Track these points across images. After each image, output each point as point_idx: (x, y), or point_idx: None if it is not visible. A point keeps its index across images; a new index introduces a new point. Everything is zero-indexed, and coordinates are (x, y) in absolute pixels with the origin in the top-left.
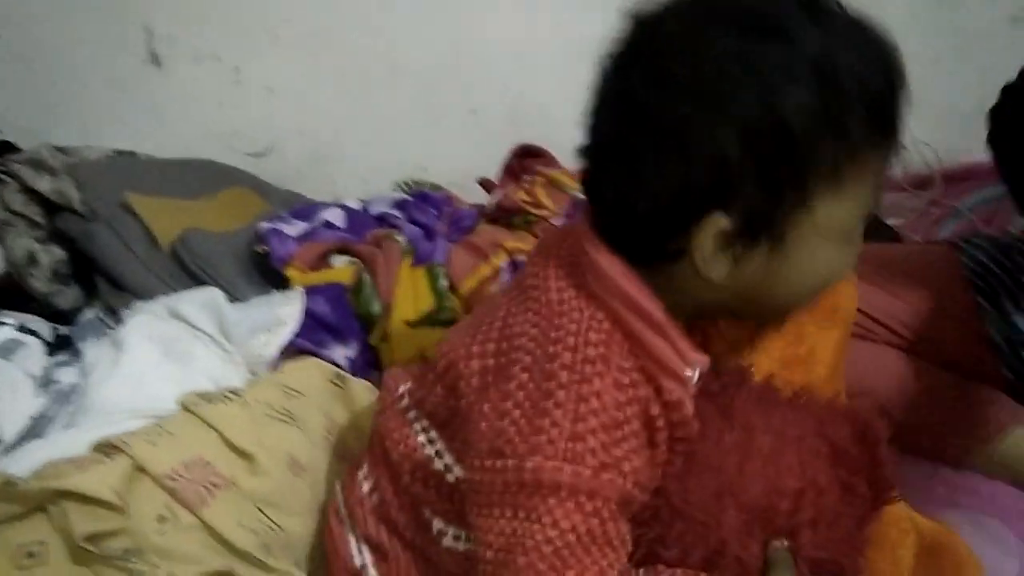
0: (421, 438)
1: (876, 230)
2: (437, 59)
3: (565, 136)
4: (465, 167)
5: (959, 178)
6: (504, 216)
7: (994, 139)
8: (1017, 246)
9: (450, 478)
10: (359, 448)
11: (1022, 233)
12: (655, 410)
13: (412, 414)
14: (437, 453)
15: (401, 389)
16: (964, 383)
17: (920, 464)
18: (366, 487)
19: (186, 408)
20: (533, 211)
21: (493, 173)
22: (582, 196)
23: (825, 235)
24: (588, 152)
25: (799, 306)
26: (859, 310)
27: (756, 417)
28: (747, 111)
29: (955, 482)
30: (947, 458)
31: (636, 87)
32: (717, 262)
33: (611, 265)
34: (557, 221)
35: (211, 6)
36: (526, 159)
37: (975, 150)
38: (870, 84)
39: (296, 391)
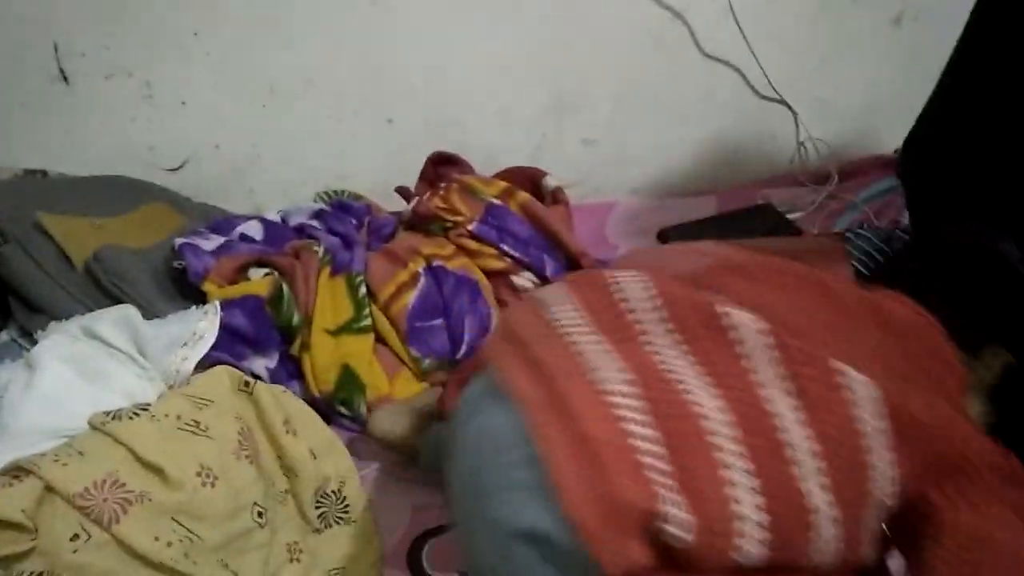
0: None
1: (775, 224)
2: (352, 70)
3: (479, 144)
4: (384, 176)
5: (854, 173)
6: (421, 223)
7: (903, 177)
8: (898, 235)
9: None
10: (270, 450)
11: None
12: None
13: None
14: None
15: None
16: None
17: None
18: None
19: (94, 427)
20: (449, 217)
21: (412, 181)
22: (497, 202)
23: None
24: None
25: None
26: None
27: None
28: None
29: None
30: None
31: None
32: None
33: None
34: (472, 227)
35: (119, 21)
36: (441, 167)
37: (867, 146)
38: None
39: (205, 400)
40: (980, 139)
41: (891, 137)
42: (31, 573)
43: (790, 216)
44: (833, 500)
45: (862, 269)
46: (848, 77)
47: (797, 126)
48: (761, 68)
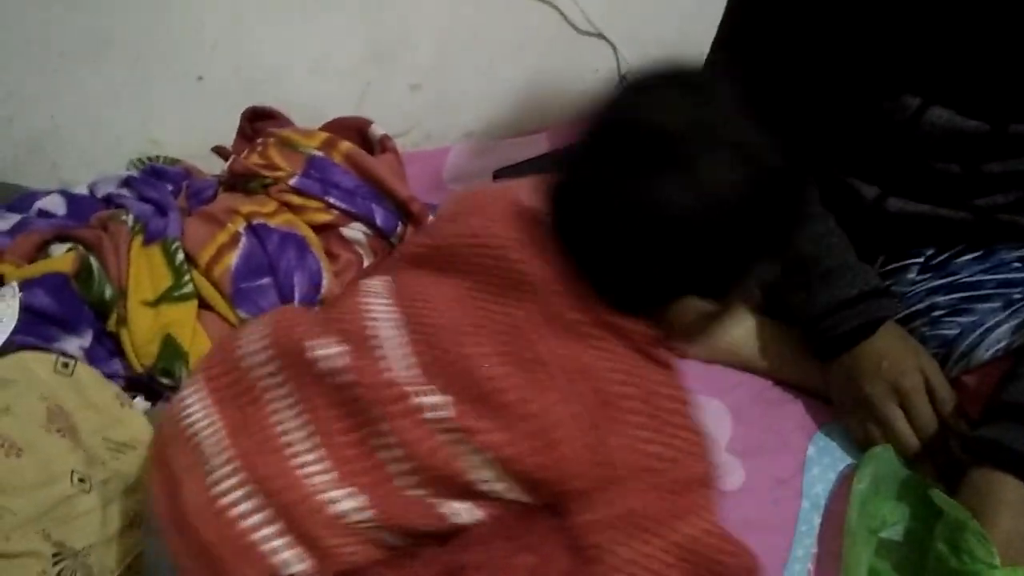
0: None
1: None
2: (151, 28)
3: (296, 96)
4: (200, 137)
5: None
6: (240, 181)
7: None
8: None
9: None
10: (90, 428)
11: None
12: None
13: None
14: None
15: None
16: None
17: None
18: None
19: None
20: (267, 174)
21: (230, 142)
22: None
23: None
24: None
25: None
26: None
27: None
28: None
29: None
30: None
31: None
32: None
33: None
34: (294, 181)
35: None
36: (258, 122)
37: None
38: None
39: (8, 380)
40: (778, 58)
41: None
42: None
43: None
44: None
45: None
46: (661, 8)
47: (617, 60)
48: (577, 4)
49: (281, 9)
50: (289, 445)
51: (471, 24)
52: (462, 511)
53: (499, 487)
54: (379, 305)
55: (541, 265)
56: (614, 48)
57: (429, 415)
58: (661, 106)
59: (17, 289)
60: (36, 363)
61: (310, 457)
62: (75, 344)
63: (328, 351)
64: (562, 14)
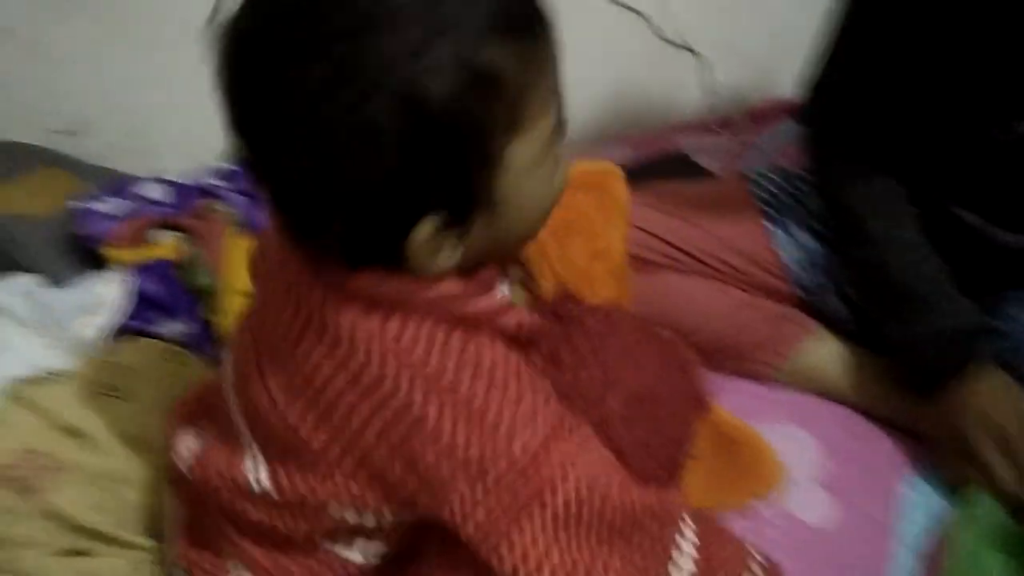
0: None
1: (692, 172)
2: None
3: None
4: None
5: (760, 117)
6: None
7: (808, 121)
8: (800, 175)
9: None
10: None
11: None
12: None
13: None
14: None
15: None
16: (761, 302)
17: (727, 381)
18: None
19: (13, 395)
20: None
21: None
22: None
23: (528, 170)
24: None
25: (536, 231)
26: (663, 240)
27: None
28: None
29: (767, 396)
30: (752, 375)
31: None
32: (441, 256)
33: (381, 281)
34: None
35: None
36: None
37: (772, 90)
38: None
39: (127, 367)
40: (884, 85)
41: (795, 81)
42: None
43: (703, 162)
44: None
45: (766, 208)
46: (752, 22)
47: (703, 72)
48: (666, 15)
49: None
50: None
51: (557, 28)
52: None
53: (369, 520)
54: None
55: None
56: (700, 60)
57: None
58: None
59: (129, 274)
60: (149, 350)
61: None
62: (175, 329)
63: None
64: (651, 24)
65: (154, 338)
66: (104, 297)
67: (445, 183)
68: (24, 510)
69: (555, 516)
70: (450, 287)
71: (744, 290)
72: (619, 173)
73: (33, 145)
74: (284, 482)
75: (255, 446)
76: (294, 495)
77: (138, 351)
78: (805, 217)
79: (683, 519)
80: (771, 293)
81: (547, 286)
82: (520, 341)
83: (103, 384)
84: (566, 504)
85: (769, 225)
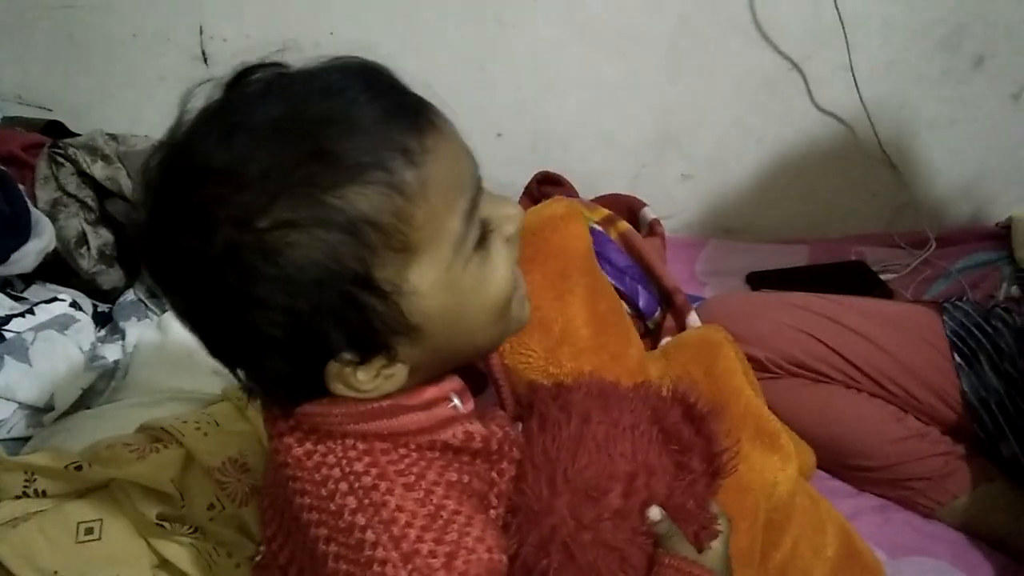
0: None
1: (865, 281)
2: (467, 82)
3: (581, 166)
4: (491, 187)
5: (952, 241)
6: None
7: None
8: (997, 313)
9: None
10: None
11: (1006, 301)
12: (456, 467)
13: None
14: None
15: None
16: (938, 436)
17: (892, 511)
18: None
19: (230, 399)
20: None
21: (514, 194)
22: (599, 228)
23: (443, 283)
24: None
25: (494, 333)
26: (846, 359)
27: (593, 409)
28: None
29: (923, 530)
30: (918, 508)
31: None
32: (378, 382)
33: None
34: None
35: (265, 12)
36: (545, 186)
37: (969, 216)
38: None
39: None
40: None
41: (996, 210)
42: (188, 528)
43: (882, 276)
44: None
45: (958, 343)
46: (959, 146)
47: (900, 187)
48: (872, 126)
49: (587, 87)
50: None
51: (758, 127)
52: None
53: None
54: None
55: None
56: (899, 175)
57: None
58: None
59: None
60: None
61: None
62: None
63: None
64: (853, 133)
65: None
66: None
67: (337, 331)
68: (228, 512)
69: None
70: (379, 410)
71: (922, 421)
72: (727, 337)
73: None
74: None
75: None
76: None
77: None
78: (997, 357)
79: None
80: (949, 429)
81: None
82: (473, 451)
83: None
84: None
85: (959, 360)
